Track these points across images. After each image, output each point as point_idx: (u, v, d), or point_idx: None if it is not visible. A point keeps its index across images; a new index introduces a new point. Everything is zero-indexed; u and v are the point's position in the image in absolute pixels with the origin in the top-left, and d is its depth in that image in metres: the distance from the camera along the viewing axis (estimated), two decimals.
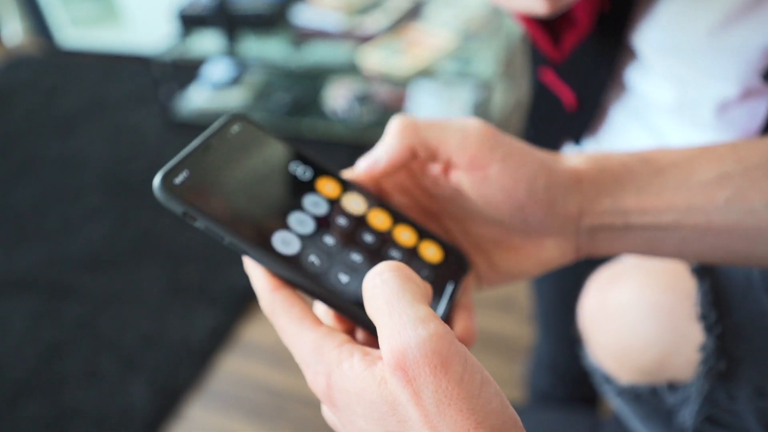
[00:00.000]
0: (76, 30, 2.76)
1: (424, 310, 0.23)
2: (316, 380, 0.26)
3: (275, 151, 0.33)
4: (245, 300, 1.48)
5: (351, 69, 1.85)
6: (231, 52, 1.99)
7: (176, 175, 0.29)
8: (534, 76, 0.65)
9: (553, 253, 0.32)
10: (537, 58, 0.63)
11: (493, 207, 0.31)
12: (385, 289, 0.24)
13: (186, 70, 2.29)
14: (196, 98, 2.14)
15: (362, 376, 0.24)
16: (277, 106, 2.06)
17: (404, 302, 0.23)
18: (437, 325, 0.22)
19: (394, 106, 2.00)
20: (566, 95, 0.58)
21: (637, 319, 0.41)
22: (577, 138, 0.58)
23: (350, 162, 2.14)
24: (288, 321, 0.27)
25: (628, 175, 0.31)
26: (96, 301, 1.51)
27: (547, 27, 0.52)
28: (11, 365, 1.37)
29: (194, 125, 2.14)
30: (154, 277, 1.56)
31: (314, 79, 2.16)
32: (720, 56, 0.44)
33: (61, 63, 2.70)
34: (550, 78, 0.61)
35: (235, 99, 2.11)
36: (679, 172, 0.31)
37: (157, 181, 0.28)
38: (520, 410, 0.81)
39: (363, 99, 1.97)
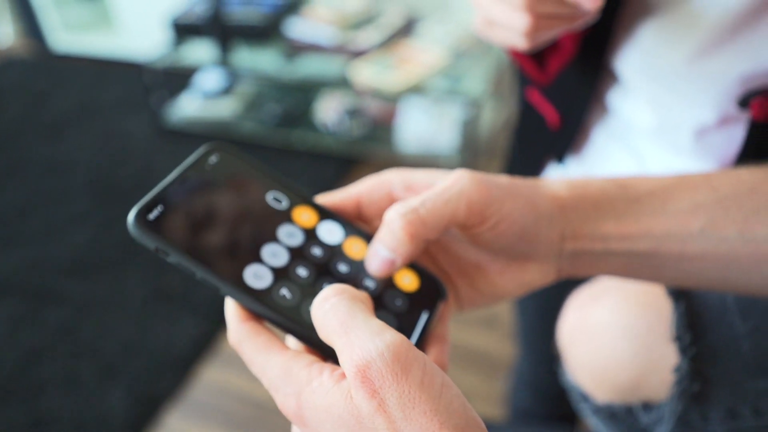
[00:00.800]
0: (69, 34, 2.76)
1: (377, 323, 0.24)
2: (285, 402, 0.26)
3: (253, 181, 0.33)
4: None
5: (342, 83, 1.86)
6: (223, 62, 1.99)
7: (150, 210, 0.29)
8: (521, 95, 0.66)
9: (534, 275, 0.33)
10: (524, 78, 0.64)
11: (483, 245, 0.32)
12: (336, 312, 0.25)
13: (178, 78, 2.29)
14: (187, 106, 2.14)
15: (331, 392, 0.24)
16: (268, 117, 2.07)
17: (357, 320, 0.24)
18: (393, 335, 0.23)
19: (384, 121, 2.01)
20: (550, 114, 0.59)
21: (613, 339, 0.42)
22: (560, 157, 0.59)
23: (339, 175, 2.14)
24: (254, 350, 0.28)
25: (608, 202, 0.32)
26: (78, 307, 1.50)
27: (533, 52, 0.54)
28: None
29: (184, 133, 2.14)
30: (137, 284, 1.55)
31: (305, 91, 2.17)
32: (698, 83, 0.46)
33: (52, 66, 2.69)
34: (536, 98, 0.62)
35: (225, 109, 2.11)
36: (656, 200, 0.32)
37: (131, 217, 0.28)
38: (500, 427, 0.82)
39: (353, 113, 1.98)
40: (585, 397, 0.46)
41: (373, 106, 2.04)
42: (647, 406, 0.41)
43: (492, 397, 1.22)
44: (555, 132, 0.59)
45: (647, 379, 0.41)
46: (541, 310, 0.75)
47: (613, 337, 0.42)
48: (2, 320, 1.47)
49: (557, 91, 0.58)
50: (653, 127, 0.50)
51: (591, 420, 0.46)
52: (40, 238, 1.73)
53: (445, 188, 0.30)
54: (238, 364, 1.35)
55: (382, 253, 0.30)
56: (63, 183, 1.95)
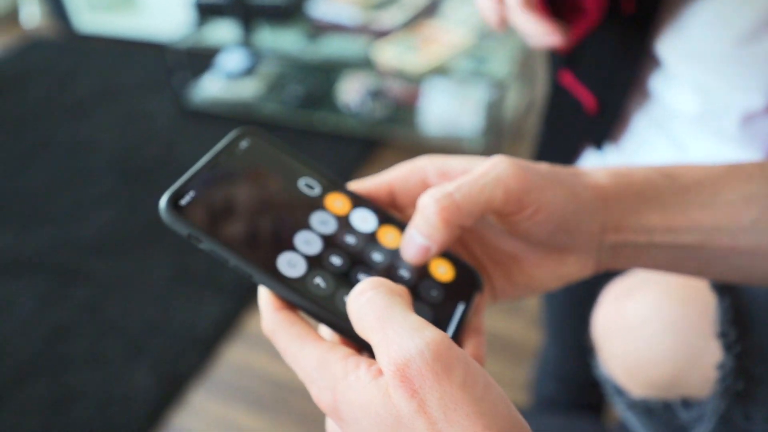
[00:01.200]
0: (93, 14, 2.77)
1: (416, 319, 0.23)
2: (321, 395, 0.25)
3: (284, 166, 0.32)
4: (251, 290, 1.49)
5: (365, 64, 1.84)
6: (246, 43, 1.99)
7: (182, 196, 0.28)
8: (552, 78, 0.64)
9: (572, 267, 0.32)
10: (556, 60, 0.62)
11: (522, 235, 0.31)
12: (372, 307, 0.24)
13: (200, 59, 2.29)
14: (210, 87, 2.14)
15: (368, 388, 0.23)
16: (290, 98, 2.06)
17: (395, 315, 0.23)
18: (432, 332, 0.22)
19: (407, 103, 1.99)
20: (586, 98, 0.57)
21: (652, 333, 0.41)
22: (598, 143, 0.57)
23: (361, 157, 2.12)
24: (289, 339, 0.27)
25: (652, 192, 0.31)
26: (103, 286, 1.52)
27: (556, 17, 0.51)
28: (18, 346, 1.38)
29: (207, 114, 2.14)
30: (161, 263, 1.56)
31: (328, 72, 2.16)
32: (747, 66, 0.44)
33: (76, 47, 2.70)
34: (569, 81, 0.60)
35: (248, 90, 2.11)
36: (705, 191, 0.30)
37: (162, 202, 0.28)
38: (525, 414, 0.81)
39: (376, 94, 1.96)
40: (619, 391, 0.45)
41: (396, 88, 2.02)
42: (686, 403, 0.40)
43: (516, 383, 1.21)
44: (592, 117, 0.57)
45: (687, 375, 0.40)
46: (570, 300, 0.74)
47: (652, 331, 0.41)
48: (30, 297, 1.49)
49: (593, 74, 0.56)
50: (697, 114, 0.48)
51: (625, 414, 0.45)
52: (65, 217, 1.75)
53: (481, 173, 0.29)
54: (261, 343, 1.36)
55: (416, 239, 0.29)
56: (87, 163, 1.97)
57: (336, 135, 2.00)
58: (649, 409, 0.42)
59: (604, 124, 0.56)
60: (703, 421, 0.36)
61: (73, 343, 1.38)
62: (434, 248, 0.29)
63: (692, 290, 0.40)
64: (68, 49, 2.69)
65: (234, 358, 1.36)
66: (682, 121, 0.51)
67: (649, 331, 0.41)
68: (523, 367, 1.25)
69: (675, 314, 0.40)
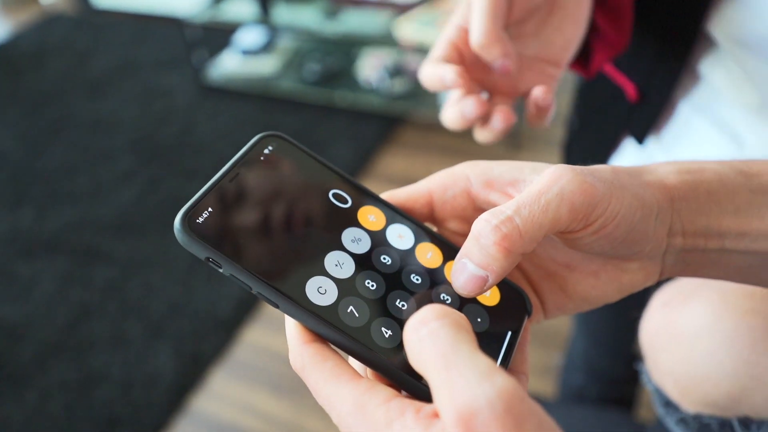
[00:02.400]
0: None
1: (486, 362, 0.20)
2: None
3: (312, 176, 0.29)
4: None
5: (385, 39, 1.80)
6: (264, 19, 1.95)
7: (199, 214, 0.25)
8: None
9: (636, 276, 0.29)
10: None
11: (578, 249, 0.28)
12: (436, 342, 0.21)
13: (218, 35, 2.26)
14: (228, 64, 2.12)
15: None
16: (309, 74, 2.03)
17: (461, 354, 0.20)
18: (504, 380, 0.19)
19: None
20: (626, 85, 0.53)
21: (709, 348, 0.38)
22: (639, 137, 0.53)
23: (381, 134, 2.09)
24: (321, 378, 0.24)
25: (725, 191, 0.27)
26: (124, 266, 1.52)
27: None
28: (41, 326, 1.39)
29: (225, 90, 2.12)
30: (183, 247, 1.55)
31: (347, 48, 2.12)
32: None
33: (95, 22, 2.68)
34: (608, 67, 0.56)
35: (266, 66, 2.07)
36: None
37: (177, 222, 0.25)
38: (553, 406, 0.79)
39: (396, 70, 1.92)
40: (669, 404, 0.42)
41: (416, 64, 1.97)
42: (746, 423, 0.37)
43: (546, 371, 1.19)
44: (632, 106, 0.53)
45: (749, 394, 0.37)
46: None
47: (710, 344, 0.38)
48: (51, 278, 1.50)
49: (634, 60, 0.52)
50: (756, 105, 0.44)
51: (673, 428, 0.43)
52: (86, 197, 1.75)
53: (541, 190, 0.25)
54: (281, 326, 1.35)
55: (470, 269, 0.25)
56: (107, 141, 1.96)
57: (355, 112, 1.97)
58: (703, 426, 0.39)
59: (647, 115, 0.51)
60: None
61: (95, 325, 1.38)
62: (492, 279, 0.25)
63: (757, 301, 0.37)
64: (86, 26, 2.67)
65: (255, 340, 1.36)
66: (737, 111, 0.47)
67: (706, 345, 0.38)
68: (551, 354, 1.23)
69: (736, 327, 0.37)
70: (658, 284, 0.45)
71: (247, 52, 2.10)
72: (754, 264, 0.28)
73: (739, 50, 0.43)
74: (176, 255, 1.53)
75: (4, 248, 1.59)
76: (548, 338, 1.27)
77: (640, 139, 0.52)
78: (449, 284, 0.28)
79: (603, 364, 0.79)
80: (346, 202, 0.29)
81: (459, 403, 0.19)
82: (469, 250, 0.25)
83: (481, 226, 0.25)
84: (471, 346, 0.21)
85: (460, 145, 1.82)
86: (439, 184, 0.30)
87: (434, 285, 0.28)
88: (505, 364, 0.27)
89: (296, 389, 1.25)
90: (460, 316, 0.22)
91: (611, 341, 0.76)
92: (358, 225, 0.29)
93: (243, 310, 1.40)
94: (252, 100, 2.08)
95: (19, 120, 2.10)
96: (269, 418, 1.21)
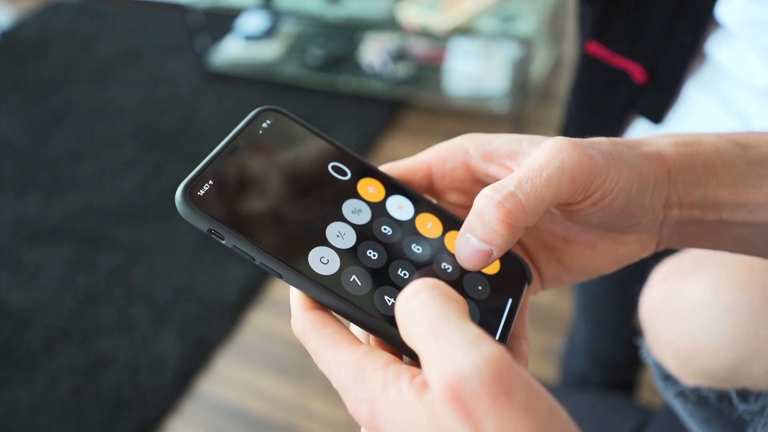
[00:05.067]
0: None
1: (474, 330, 0.20)
2: (357, 408, 0.23)
3: (311, 149, 0.29)
4: None
5: (389, 23, 1.79)
6: (266, 4, 1.94)
7: (200, 187, 0.25)
8: (582, 48, 0.60)
9: (632, 247, 0.29)
10: (585, 30, 0.58)
11: (576, 221, 0.28)
12: (425, 312, 0.21)
13: (221, 21, 2.25)
14: (231, 49, 2.11)
15: (411, 405, 0.21)
16: (312, 59, 2.02)
17: (450, 323, 0.20)
18: (492, 347, 0.19)
19: (431, 63, 1.94)
20: (631, 68, 0.53)
21: (708, 320, 0.38)
22: (655, 118, 0.52)
23: (384, 118, 2.09)
24: (321, 343, 0.24)
25: (722, 163, 0.27)
26: (129, 252, 1.53)
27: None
28: (48, 312, 1.40)
29: (228, 76, 2.11)
30: (186, 230, 1.56)
31: (350, 33, 2.10)
32: None
33: (97, 9, 2.68)
34: (601, 51, 0.55)
35: (269, 51, 2.07)
36: None
37: (178, 195, 0.25)
38: (556, 390, 0.79)
39: (400, 55, 1.91)
40: (668, 377, 0.42)
41: (420, 48, 1.96)
42: (744, 394, 0.38)
43: (547, 354, 1.20)
44: (640, 88, 0.52)
45: (747, 366, 0.37)
46: (606, 278, 0.70)
47: (708, 316, 0.38)
48: (57, 265, 1.51)
49: (631, 41, 0.51)
50: (766, 84, 0.44)
51: (671, 401, 0.43)
52: (91, 183, 1.75)
53: (542, 164, 0.25)
54: (286, 309, 1.36)
55: (474, 244, 0.25)
56: (111, 128, 1.97)
57: (359, 97, 1.96)
58: (701, 399, 0.40)
59: (660, 96, 0.51)
60: (764, 414, 0.34)
61: (101, 310, 1.40)
62: (496, 253, 0.25)
63: (755, 273, 0.37)
64: (89, 12, 2.66)
65: (260, 323, 1.37)
66: (747, 92, 0.46)
67: (705, 317, 0.38)
68: (553, 336, 1.23)
69: (735, 299, 0.37)
70: (658, 260, 0.45)
71: (250, 38, 2.09)
72: (751, 235, 0.28)
73: (751, 30, 0.43)
74: (181, 240, 1.54)
75: (11, 235, 1.60)
76: (549, 322, 1.27)
77: (657, 120, 0.52)
78: (450, 254, 0.29)
79: (605, 348, 0.79)
80: (345, 174, 0.30)
81: (446, 371, 0.19)
82: (472, 225, 0.25)
83: (484, 202, 0.25)
84: (460, 316, 0.21)
85: (464, 129, 1.81)
86: (437, 157, 0.30)
87: (435, 254, 0.28)
88: (506, 330, 0.27)
89: (301, 372, 1.26)
90: (449, 288, 0.22)
91: (613, 325, 0.76)
92: (357, 197, 0.29)
93: (248, 295, 1.41)
94: (255, 86, 2.08)
95: (23, 107, 2.10)
96: (274, 401, 1.22)
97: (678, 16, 0.47)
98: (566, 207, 0.27)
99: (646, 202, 0.27)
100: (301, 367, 1.27)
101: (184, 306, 1.39)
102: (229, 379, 1.26)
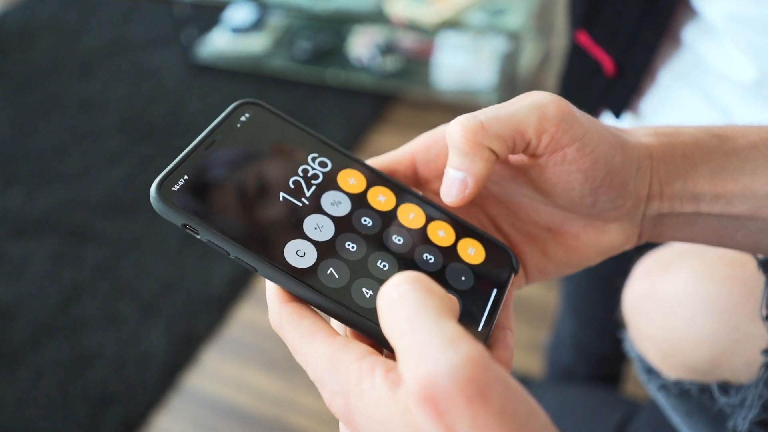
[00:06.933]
0: None
1: (453, 328, 0.19)
2: (333, 401, 0.23)
3: (290, 142, 0.29)
4: None
5: (377, 17, 1.78)
6: None
7: (175, 181, 0.25)
8: (571, 36, 0.60)
9: (616, 237, 0.29)
10: (575, 17, 0.58)
11: (563, 190, 0.27)
12: (404, 305, 0.20)
13: (208, 13, 2.23)
14: (218, 42, 2.09)
15: (385, 401, 0.20)
16: (299, 52, 2.01)
17: (428, 318, 0.20)
18: (470, 347, 0.19)
19: (420, 57, 1.93)
20: (604, 60, 0.53)
21: (690, 313, 0.38)
22: (616, 111, 0.52)
23: (373, 112, 2.08)
24: (298, 335, 0.24)
25: (701, 154, 0.27)
26: (115, 246, 1.51)
27: None
28: (33, 306, 1.39)
29: (215, 69, 2.09)
30: (172, 224, 1.55)
31: (338, 25, 2.09)
32: None
33: (82, 0, 2.64)
34: (586, 41, 0.56)
35: (256, 44, 2.05)
36: (759, 155, 0.27)
37: (153, 190, 0.25)
38: (542, 385, 0.80)
39: (388, 48, 1.90)
40: (650, 370, 0.43)
41: (408, 41, 1.96)
42: (725, 387, 0.38)
43: (533, 348, 1.20)
44: (610, 81, 0.53)
45: (728, 359, 0.37)
46: (592, 273, 0.70)
47: (690, 310, 0.38)
48: (42, 258, 1.49)
49: (611, 34, 0.51)
50: (751, 81, 0.44)
51: (654, 394, 0.43)
52: (75, 177, 1.73)
53: (516, 98, 0.26)
54: None
55: (451, 175, 0.26)
56: (96, 121, 1.94)
57: (347, 90, 1.96)
58: (683, 392, 0.40)
59: (623, 90, 0.51)
60: (744, 407, 0.34)
61: (87, 304, 1.38)
62: (471, 181, 0.25)
63: (736, 267, 0.38)
64: (74, 3, 2.62)
65: (247, 317, 1.36)
66: (728, 86, 0.46)
67: (687, 310, 0.38)
68: (540, 329, 1.24)
69: (716, 293, 0.37)
70: (640, 254, 0.46)
71: (237, 30, 2.07)
72: (729, 227, 0.28)
73: (734, 26, 0.43)
74: (167, 234, 1.53)
75: None
76: (536, 316, 1.27)
77: (617, 114, 0.52)
78: (432, 244, 0.29)
79: (590, 342, 0.79)
80: (325, 166, 0.29)
81: (420, 370, 0.19)
82: (449, 158, 0.26)
83: (450, 125, 0.26)
84: (440, 312, 0.20)
85: None
86: (421, 145, 0.30)
87: (417, 245, 0.28)
88: (490, 322, 0.27)
89: (288, 366, 1.26)
90: (432, 282, 0.22)
91: (598, 319, 0.76)
92: (337, 188, 0.29)
93: (235, 289, 1.41)
94: (242, 79, 2.06)
95: (7, 99, 2.07)
96: (262, 395, 1.22)
97: (647, 13, 0.47)
98: (540, 159, 0.27)
99: (630, 181, 0.27)
100: (288, 361, 1.26)
101: (171, 300, 1.38)
102: (216, 373, 1.26)
